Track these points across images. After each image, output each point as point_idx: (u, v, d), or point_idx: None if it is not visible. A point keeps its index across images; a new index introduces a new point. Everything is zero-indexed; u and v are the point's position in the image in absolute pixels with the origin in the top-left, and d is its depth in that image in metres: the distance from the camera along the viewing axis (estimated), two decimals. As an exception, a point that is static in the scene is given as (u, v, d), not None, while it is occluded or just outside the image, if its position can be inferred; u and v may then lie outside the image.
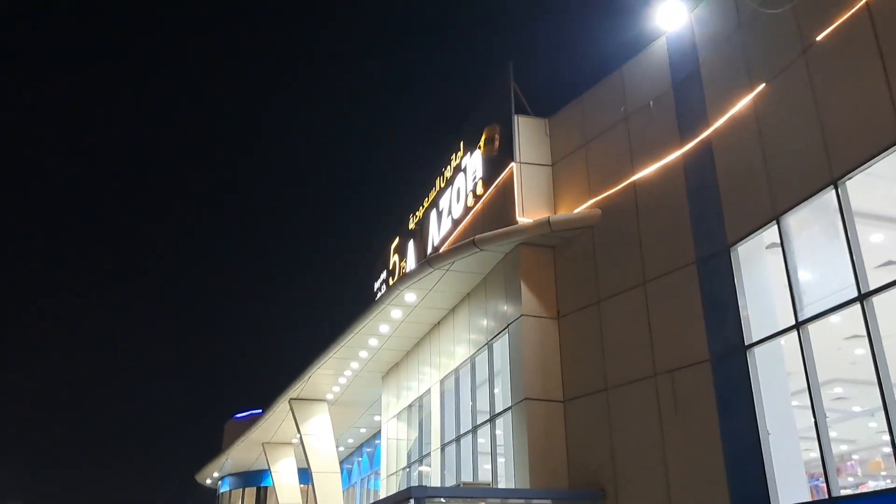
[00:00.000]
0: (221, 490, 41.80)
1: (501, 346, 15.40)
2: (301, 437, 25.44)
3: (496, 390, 15.60)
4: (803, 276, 10.17)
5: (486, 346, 15.76)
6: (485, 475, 15.59)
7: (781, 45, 10.67)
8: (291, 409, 25.64)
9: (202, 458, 43.29)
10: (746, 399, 10.52)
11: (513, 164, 15.31)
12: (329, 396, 25.39)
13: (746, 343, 10.71)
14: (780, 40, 10.72)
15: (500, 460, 14.85)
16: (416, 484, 19.85)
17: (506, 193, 15.48)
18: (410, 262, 21.18)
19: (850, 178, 9.40)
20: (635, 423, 12.29)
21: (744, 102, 11.29)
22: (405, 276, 16.66)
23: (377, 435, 30.92)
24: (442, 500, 11.90)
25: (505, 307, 14.99)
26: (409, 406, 20.80)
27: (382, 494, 22.43)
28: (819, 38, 10.02)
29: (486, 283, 16.18)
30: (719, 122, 11.77)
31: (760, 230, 10.78)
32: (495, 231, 14.74)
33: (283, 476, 32.74)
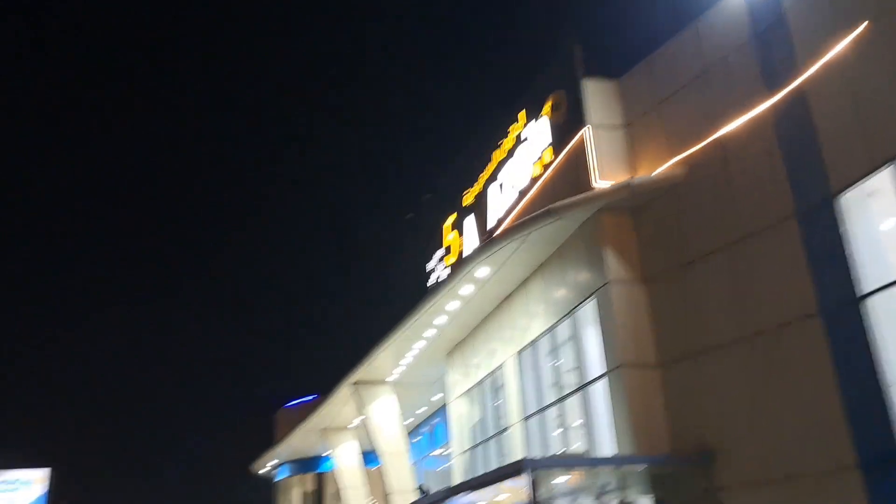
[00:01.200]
0: (278, 478, 42.15)
1: (585, 315, 15.19)
2: (366, 420, 25.47)
3: (584, 359, 15.42)
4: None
5: (569, 316, 15.56)
6: (574, 445, 15.45)
7: (884, -18, 10.27)
8: (354, 392, 25.66)
9: (252, 448, 43.73)
10: (864, 349, 10.25)
11: (584, 128, 15.00)
12: (391, 378, 25.37)
13: (860, 293, 10.42)
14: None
15: (594, 429, 14.66)
16: (514, 456, 19.81)
17: (578, 159, 15.19)
18: (470, 238, 20.95)
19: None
20: (740, 383, 12.05)
21: (844, 44, 10.90)
22: (478, 250, 16.47)
23: (436, 414, 31.00)
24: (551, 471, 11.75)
25: (588, 275, 14.76)
26: (480, 382, 20.69)
27: (454, 473, 22.42)
28: (929, -30, 9.62)
29: (561, 252, 15.94)
30: (814, 68, 11.39)
31: (870, 175, 10.45)
32: (573, 198, 14.47)
33: (345, 460, 32.88)
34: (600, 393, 14.83)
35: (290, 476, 41.52)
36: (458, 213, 22.51)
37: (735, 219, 12.52)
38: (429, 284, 24.67)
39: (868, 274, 10.51)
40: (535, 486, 11.39)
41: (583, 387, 15.02)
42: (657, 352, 13.59)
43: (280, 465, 41.77)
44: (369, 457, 35.37)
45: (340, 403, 28.55)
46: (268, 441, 42.06)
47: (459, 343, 22.16)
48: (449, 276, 18.18)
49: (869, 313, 10.32)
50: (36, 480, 47.89)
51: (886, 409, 9.90)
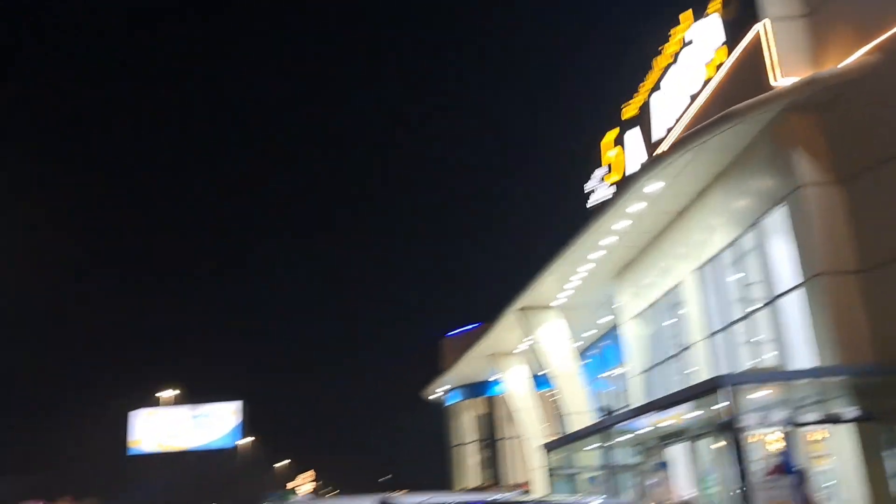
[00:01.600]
0: (449, 402, 43.58)
1: (773, 224, 14.28)
2: (534, 344, 25.59)
3: (772, 271, 14.56)
4: None
5: (755, 226, 14.68)
6: (764, 360, 14.76)
7: None
8: (521, 318, 25.79)
9: (423, 375, 45.31)
10: None
11: (759, 22, 13.81)
12: (557, 302, 25.23)
13: None
14: None
15: (786, 342, 13.91)
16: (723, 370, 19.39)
17: (755, 56, 14.04)
18: (634, 153, 20.13)
19: None
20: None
21: None
22: (649, 164, 15.78)
23: (605, 336, 30.69)
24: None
25: (775, 181, 13.79)
26: (654, 303, 20.14)
27: (631, 395, 22.17)
28: None
29: (742, 159, 14.96)
30: None
31: None
32: (753, 99, 13.41)
33: (515, 384, 33.39)
34: (793, 304, 13.97)
35: (462, 400, 42.81)
36: (619, 128, 21.68)
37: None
38: (589, 205, 24.13)
39: None
40: (734, 401, 10.96)
41: (775, 299, 14.21)
42: (858, 257, 12.56)
43: (450, 390, 43.11)
44: (539, 380, 35.83)
45: (506, 329, 28.79)
46: (436, 369, 43.52)
47: (629, 264, 21.60)
48: (616, 193, 17.61)
49: None
50: (230, 412, 52.15)
51: None
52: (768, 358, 14.83)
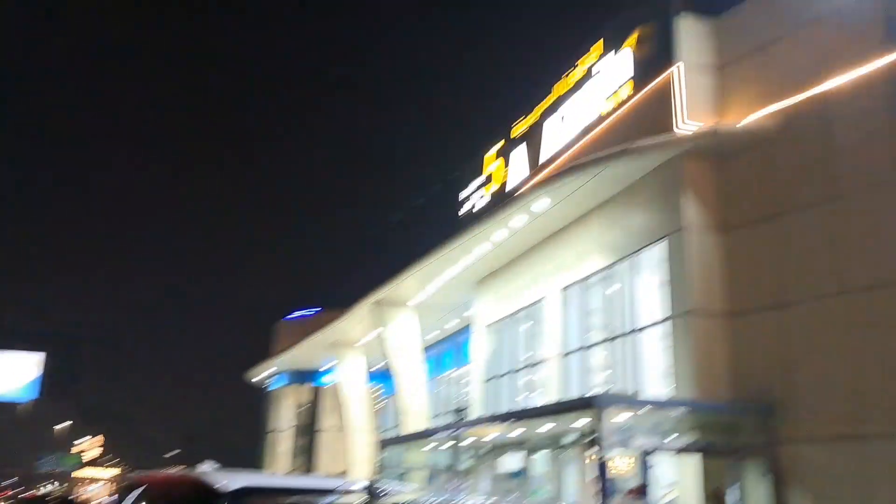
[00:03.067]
0: (273, 387, 42.45)
1: (648, 258, 15.02)
2: (384, 340, 25.45)
3: (637, 302, 15.31)
4: None
5: (630, 257, 15.36)
6: (614, 386, 15.46)
7: None
8: (374, 311, 25.57)
9: (248, 355, 43.91)
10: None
11: (673, 66, 14.53)
12: (415, 301, 25.26)
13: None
14: None
15: (648, 371, 14.65)
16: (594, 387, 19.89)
17: (662, 98, 14.74)
18: (518, 170, 20.55)
19: None
20: (819, 341, 11.99)
21: (984, 7, 10.48)
22: (544, 182, 16.15)
23: (448, 339, 31.10)
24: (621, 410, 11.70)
25: (659, 218, 14.50)
26: (513, 314, 20.61)
27: (474, 402, 22.54)
28: None
29: (631, 191, 15.63)
30: (945, 28, 10.98)
31: None
32: (657, 138, 14.11)
33: (350, 376, 33.05)
34: (654, 337, 14.79)
35: (286, 385, 41.79)
36: (505, 142, 22.06)
37: (834, 176, 12.26)
38: (462, 212, 24.40)
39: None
40: (601, 421, 11.36)
41: (638, 330, 14.93)
42: (727, 301, 13.47)
43: (276, 374, 41.99)
44: (371, 374, 35.67)
45: (357, 320, 28.47)
46: (264, 350, 42.29)
47: (494, 272, 21.98)
48: (501, 204, 17.87)
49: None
50: (32, 364, 47.92)
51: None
52: (619, 384, 15.54)
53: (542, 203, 16.73)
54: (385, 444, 22.49)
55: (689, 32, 14.73)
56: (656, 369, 15.00)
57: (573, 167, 15.21)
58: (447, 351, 31.79)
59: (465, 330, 29.38)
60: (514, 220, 17.86)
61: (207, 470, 6.01)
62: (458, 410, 17.04)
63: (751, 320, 13.07)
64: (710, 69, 14.59)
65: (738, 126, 13.59)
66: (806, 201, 12.61)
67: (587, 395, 12.28)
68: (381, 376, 40.37)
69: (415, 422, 24.36)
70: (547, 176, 17.71)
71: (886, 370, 10.99)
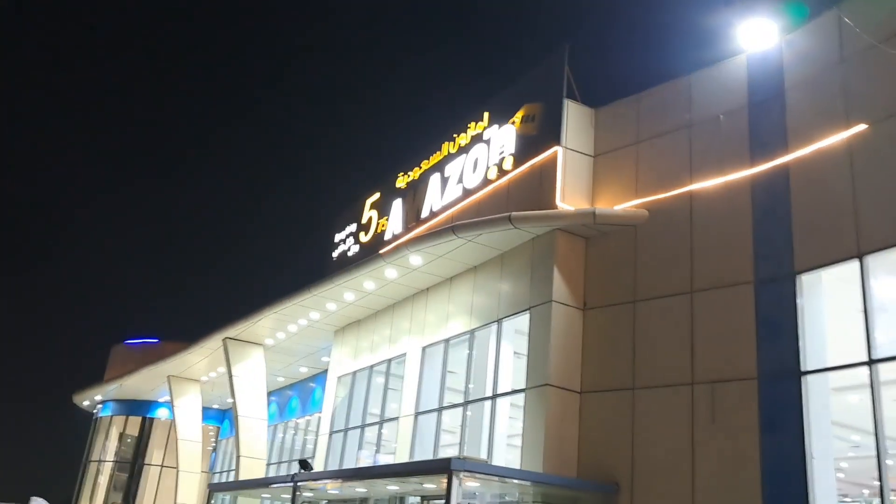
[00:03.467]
0: (101, 414, 39.64)
1: (511, 327, 15.29)
2: (232, 378, 24.42)
3: (503, 370, 15.51)
4: (881, 317, 10.59)
5: (496, 323, 15.58)
6: (470, 451, 15.47)
7: (893, 91, 10.99)
8: (225, 348, 24.56)
9: (79, 378, 40.99)
10: (795, 422, 10.90)
11: (557, 147, 15.12)
12: (269, 341, 24.51)
13: (803, 369, 11.09)
14: (891, 85, 11.03)
15: (499, 439, 14.76)
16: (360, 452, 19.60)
17: (543, 176, 15.28)
18: (395, 222, 20.61)
19: (955, 234, 9.84)
20: (663, 427, 12.51)
21: (837, 138, 11.57)
22: (419, 239, 16.19)
23: (293, 387, 30.27)
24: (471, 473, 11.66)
25: (527, 289, 14.84)
26: (372, 367, 20.35)
27: (319, 453, 21.92)
28: (941, 94, 10.39)
29: (501, 260, 15.95)
30: (802, 151, 12.02)
31: (837, 264, 11.14)
32: (536, 212, 14.54)
33: (186, 411, 31.43)
34: (506, 405, 15.00)
35: (114, 415, 39.13)
36: (381, 194, 22.10)
37: (692, 271, 12.99)
38: (335, 254, 24.12)
39: (810, 353, 11.20)
40: (451, 485, 11.30)
41: (496, 396, 15.07)
42: (583, 378, 13.87)
43: (105, 401, 39.29)
44: (206, 413, 34.15)
45: (201, 354, 27.26)
46: (95, 373, 39.64)
47: (356, 322, 21.71)
48: (375, 255, 17.77)
49: (807, 388, 10.99)
50: None
51: (805, 481, 10.57)
52: (468, 449, 15.55)
53: (415, 259, 16.77)
54: (215, 488, 21.37)
55: (573, 118, 15.42)
56: (506, 437, 15.18)
57: (449, 228, 15.36)
58: (292, 398, 30.94)
59: (314, 378, 28.80)
60: (388, 272, 17.79)
61: None
62: (304, 462, 16.45)
63: (602, 400, 13.50)
64: (587, 156, 15.30)
65: (612, 212, 14.20)
66: (663, 291, 13.29)
67: (441, 458, 12.17)
68: (216, 416, 38.81)
69: (252, 467, 23.36)
70: (425, 232, 17.82)
71: (723, 466, 11.56)
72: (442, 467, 11.27)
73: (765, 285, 11.95)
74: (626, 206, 14.36)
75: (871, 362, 10.33)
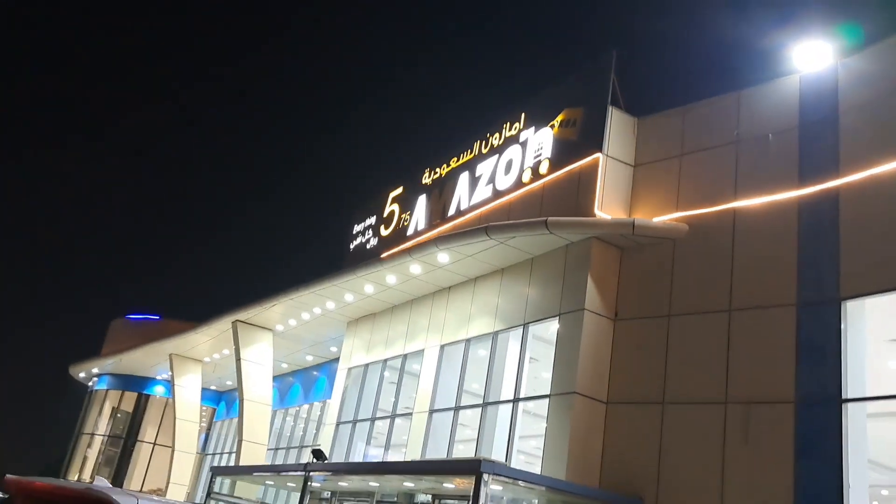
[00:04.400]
0: (97, 388, 39.41)
1: (539, 333, 15.15)
2: (240, 362, 24.23)
3: (526, 373, 15.38)
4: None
5: (522, 327, 15.42)
6: (487, 452, 15.32)
7: (956, 124, 10.87)
8: (235, 331, 24.37)
9: (74, 349, 40.75)
10: (833, 450, 10.77)
11: (599, 154, 14.96)
12: (279, 327, 24.34)
13: (844, 396, 10.96)
14: (955, 118, 10.90)
15: (519, 443, 14.62)
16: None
17: (582, 182, 15.12)
18: (419, 217, 20.44)
19: None
20: (693, 444, 12.36)
21: (892, 166, 11.43)
22: (450, 237, 16.02)
23: (295, 374, 30.09)
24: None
25: (559, 295, 14.68)
26: (386, 361, 20.18)
27: (325, 442, 21.75)
28: None
29: (531, 264, 15.79)
30: (855, 176, 11.88)
31: (886, 293, 11.01)
32: (574, 218, 14.39)
33: (186, 391, 31.22)
34: (529, 411, 14.88)
35: (110, 389, 38.90)
36: (406, 188, 21.93)
37: (730, 289, 12.85)
38: (353, 245, 23.94)
39: (850, 381, 11.07)
40: (479, 486, 11.14)
41: (517, 400, 14.91)
42: (609, 389, 13.73)
43: (101, 374, 39.07)
44: (203, 394, 33.98)
45: (209, 335, 27.07)
46: (92, 346, 39.44)
47: (370, 315, 21.54)
48: (402, 252, 17.61)
49: (847, 416, 10.86)
50: None
51: (838, 508, 10.45)
52: (484, 451, 15.40)
53: (442, 257, 16.60)
54: (218, 471, 21.18)
55: (616, 127, 15.26)
56: (525, 443, 15.05)
57: (482, 228, 15.19)
58: (294, 385, 30.77)
59: (319, 367, 28.63)
60: (413, 267, 17.61)
61: (104, 487, 5.22)
62: (318, 452, 16.26)
63: (630, 412, 13.35)
64: (628, 165, 15.14)
65: (651, 224, 14.04)
66: (700, 307, 13.14)
67: (470, 459, 12.01)
68: (212, 398, 38.59)
69: (253, 452, 23.17)
70: (451, 230, 17.66)
71: (751, 486, 11.42)
72: (471, 468, 11.09)
73: (807, 309, 11.81)
74: (666, 218, 14.22)
75: (917, 395, 10.20)
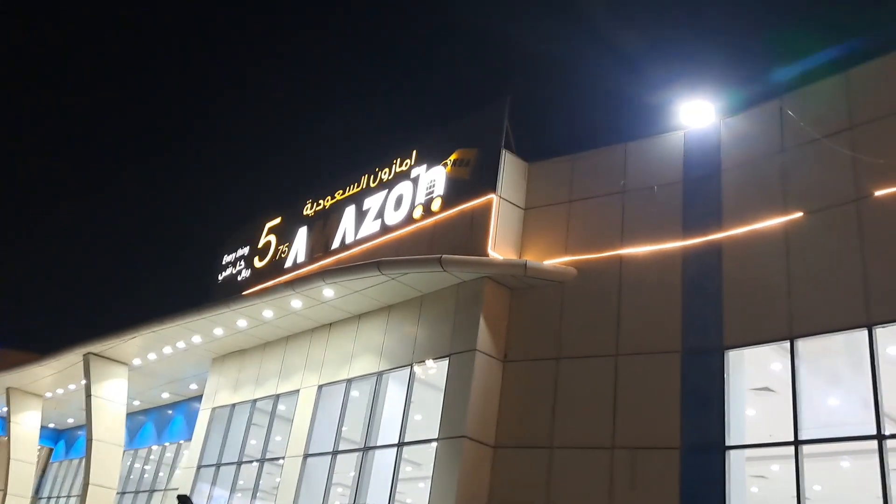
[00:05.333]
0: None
1: (424, 374, 14.83)
2: (90, 398, 22.31)
3: (393, 417, 15.00)
4: (808, 398, 10.97)
5: (409, 367, 15.04)
6: (366, 499, 14.73)
7: (832, 184, 11.59)
8: (86, 364, 22.48)
9: None
10: (718, 497, 11.04)
11: (493, 195, 14.98)
12: (136, 361, 22.69)
13: (727, 444, 11.28)
14: (831, 179, 11.63)
15: (403, 486, 14.14)
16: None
17: (475, 221, 15.07)
18: (299, 249, 19.74)
19: (885, 328, 10.39)
20: (581, 488, 12.35)
21: (773, 222, 12.06)
22: (339, 270, 15.48)
23: (147, 413, 28.17)
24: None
25: (449, 335, 14.43)
26: (255, 401, 19.16)
27: (182, 487, 20.31)
28: (878, 193, 11.05)
29: (420, 302, 15.50)
30: (737, 231, 12.46)
31: (768, 343, 11.52)
32: (469, 257, 14.26)
33: (23, 429, 28.41)
34: (411, 454, 14.50)
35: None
36: (285, 218, 21.20)
37: (618, 334, 13.07)
38: (221, 277, 22.82)
39: (733, 428, 11.44)
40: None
41: (402, 444, 14.45)
42: (497, 432, 13.55)
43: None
44: (42, 432, 31.21)
45: (55, 368, 24.82)
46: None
47: (239, 351, 20.47)
48: (284, 282, 16.87)
49: (730, 463, 11.18)
50: None
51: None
52: (362, 497, 14.83)
53: (327, 292, 16.02)
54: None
55: (509, 168, 15.38)
56: (402, 486, 14.61)
57: (374, 263, 14.78)
58: (146, 424, 28.77)
59: (175, 405, 26.94)
60: (291, 302, 16.88)
61: None
62: (183, 499, 15.06)
63: (517, 455, 13.21)
64: (519, 208, 15.28)
65: (543, 266, 14.13)
66: (588, 351, 13.28)
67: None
68: (50, 436, 35.48)
69: (101, 497, 21.28)
70: (333, 264, 17.14)
71: (640, 528, 11.52)
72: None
73: (692, 356, 12.17)
74: (556, 262, 14.36)
75: (797, 443, 10.63)
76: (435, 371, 14.65)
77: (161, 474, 25.59)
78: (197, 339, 20.00)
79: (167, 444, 26.55)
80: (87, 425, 22.28)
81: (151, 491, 25.67)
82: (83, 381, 23.87)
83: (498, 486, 13.15)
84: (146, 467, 27.32)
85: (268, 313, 17.64)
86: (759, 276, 11.96)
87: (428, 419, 14.42)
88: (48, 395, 28.20)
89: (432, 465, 13.46)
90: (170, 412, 27.30)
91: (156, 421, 28.06)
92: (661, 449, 11.83)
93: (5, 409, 29.02)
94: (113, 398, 22.76)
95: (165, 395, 26.50)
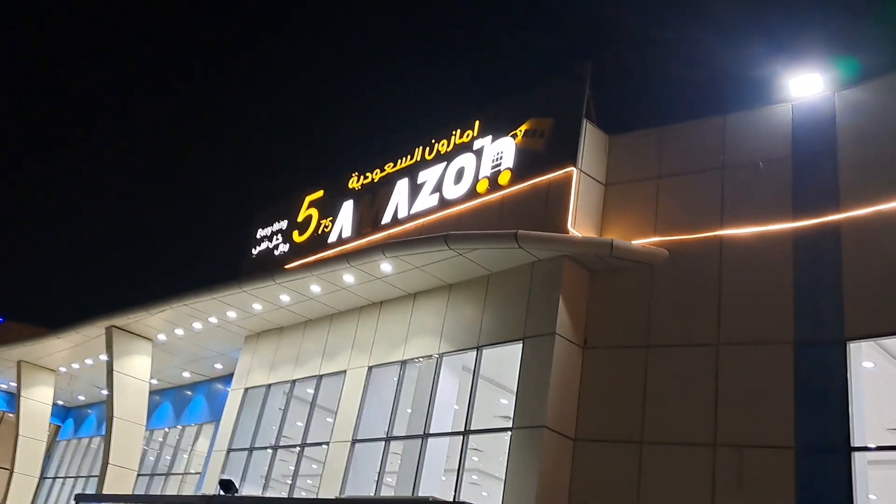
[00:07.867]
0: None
1: (495, 357, 13.69)
2: (112, 374, 21.15)
3: (445, 404, 13.90)
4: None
5: (476, 350, 13.87)
6: (427, 490, 13.58)
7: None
8: (109, 337, 21.32)
9: None
10: (841, 502, 9.92)
11: (573, 168, 13.80)
12: (161, 337, 21.54)
13: (851, 445, 10.16)
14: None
15: (472, 478, 13.00)
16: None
17: (552, 196, 13.90)
18: (344, 224, 18.55)
19: None
20: (677, 488, 11.21)
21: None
22: (402, 244, 14.32)
23: (164, 392, 27.04)
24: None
25: (523, 318, 13.27)
26: (294, 381, 17.99)
27: (211, 471, 19.16)
28: None
29: (487, 281, 14.33)
30: (859, 212, 11.30)
31: (885, 337, 10.43)
32: (548, 234, 13.10)
33: (34, 405, 27.23)
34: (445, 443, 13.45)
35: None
36: (327, 192, 20.01)
37: (718, 321, 11.92)
38: (255, 251, 21.66)
39: (856, 428, 10.30)
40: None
41: (468, 433, 13.29)
42: (579, 424, 12.40)
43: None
44: (57, 411, 30.22)
45: (72, 342, 23.65)
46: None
47: (276, 329, 19.30)
48: (339, 255, 15.72)
49: (854, 468, 10.05)
50: None
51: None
52: (408, 485, 13.69)
53: (385, 266, 14.86)
54: (83, 499, 18.11)
55: (590, 141, 14.21)
56: (468, 474, 13.48)
57: (441, 237, 13.61)
58: (163, 404, 27.60)
59: (196, 385, 25.83)
60: (344, 277, 15.71)
61: None
62: (227, 483, 13.92)
63: (602, 450, 12.07)
64: (599, 183, 14.11)
65: (630, 246, 12.97)
66: (684, 339, 12.13)
67: (425, 497, 10.33)
68: (58, 414, 34.33)
69: (120, 478, 20.14)
70: (387, 239, 15.98)
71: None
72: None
73: (807, 347, 11.03)
74: (643, 242, 13.20)
75: (940, 445, 9.51)
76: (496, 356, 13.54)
77: (183, 457, 24.44)
78: (232, 314, 18.84)
79: (185, 426, 25.43)
80: (108, 402, 21.14)
81: (168, 474, 24.56)
82: (101, 356, 22.78)
83: (579, 482, 12.01)
84: (161, 451, 26.17)
85: (315, 288, 16.46)
86: (884, 261, 10.81)
87: (480, 409, 13.39)
88: (62, 369, 27.03)
89: (505, 456, 12.30)
90: (189, 393, 26.16)
91: (174, 401, 26.90)
92: (772, 448, 10.69)
93: (13, 384, 27.91)
94: (136, 374, 21.61)
95: (186, 375, 25.33)
